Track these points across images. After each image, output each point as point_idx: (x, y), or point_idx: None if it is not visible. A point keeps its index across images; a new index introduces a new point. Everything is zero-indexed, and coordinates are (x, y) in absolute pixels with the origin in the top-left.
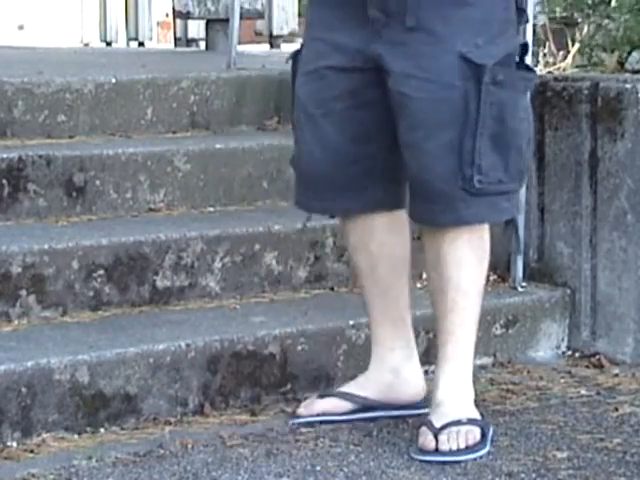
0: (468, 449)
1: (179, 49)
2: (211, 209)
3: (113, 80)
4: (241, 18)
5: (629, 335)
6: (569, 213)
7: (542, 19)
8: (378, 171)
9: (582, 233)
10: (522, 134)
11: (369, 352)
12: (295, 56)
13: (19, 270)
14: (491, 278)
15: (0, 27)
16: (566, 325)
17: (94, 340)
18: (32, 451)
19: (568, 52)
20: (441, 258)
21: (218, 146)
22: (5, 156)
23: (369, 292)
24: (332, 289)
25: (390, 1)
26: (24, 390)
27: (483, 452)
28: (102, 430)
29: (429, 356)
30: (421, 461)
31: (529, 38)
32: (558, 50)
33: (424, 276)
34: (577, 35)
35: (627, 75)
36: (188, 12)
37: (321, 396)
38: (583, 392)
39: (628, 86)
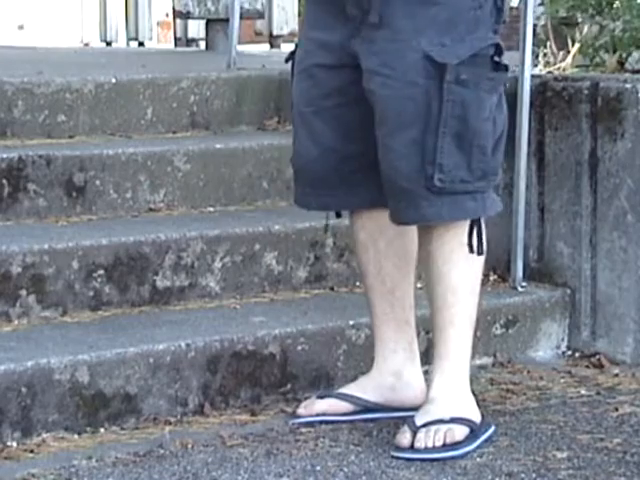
0: (445, 447)
1: (179, 49)
2: (211, 209)
3: (113, 80)
4: (241, 18)
5: (629, 335)
6: (569, 213)
7: (543, 19)
8: (371, 168)
9: (582, 233)
10: (486, 134)
11: (369, 352)
12: (292, 56)
13: (19, 270)
14: (491, 278)
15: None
16: (566, 325)
17: (94, 340)
18: (32, 451)
19: (568, 52)
20: (430, 254)
21: (218, 146)
22: (5, 156)
23: (374, 292)
24: (332, 289)
25: None
26: (24, 390)
27: (463, 451)
28: (102, 430)
29: (429, 356)
30: (395, 457)
31: (529, 38)
32: (558, 50)
33: (423, 276)
34: (577, 35)
35: (627, 75)
36: (188, 12)
37: (321, 396)
38: (583, 392)
39: (628, 86)
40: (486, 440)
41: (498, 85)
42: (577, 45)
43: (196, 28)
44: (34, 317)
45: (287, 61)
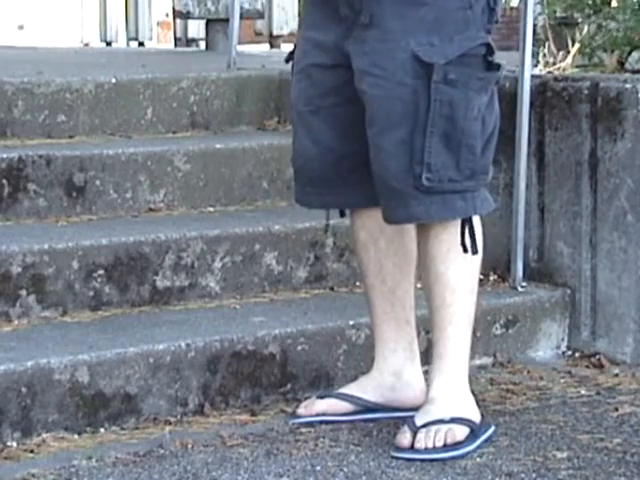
0: (446, 447)
1: (179, 49)
2: (211, 209)
3: (113, 80)
4: (241, 18)
5: (629, 335)
6: (569, 213)
7: (542, 19)
8: (369, 166)
9: (582, 233)
10: (475, 133)
11: (369, 352)
12: (291, 56)
13: (19, 270)
14: (491, 278)
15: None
16: (566, 325)
17: (94, 340)
18: (32, 451)
19: (568, 52)
20: (428, 253)
21: (218, 146)
22: (5, 156)
23: (375, 291)
24: (332, 289)
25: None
26: (24, 390)
27: (463, 451)
28: (102, 430)
29: (429, 356)
30: (395, 457)
31: (529, 38)
32: (558, 50)
33: (423, 276)
34: (577, 35)
35: (627, 75)
36: (188, 12)
37: (321, 396)
38: (583, 392)
39: (628, 86)
40: (486, 440)
41: (488, 85)
42: (577, 45)
43: (196, 28)
44: (34, 317)
45: (287, 61)
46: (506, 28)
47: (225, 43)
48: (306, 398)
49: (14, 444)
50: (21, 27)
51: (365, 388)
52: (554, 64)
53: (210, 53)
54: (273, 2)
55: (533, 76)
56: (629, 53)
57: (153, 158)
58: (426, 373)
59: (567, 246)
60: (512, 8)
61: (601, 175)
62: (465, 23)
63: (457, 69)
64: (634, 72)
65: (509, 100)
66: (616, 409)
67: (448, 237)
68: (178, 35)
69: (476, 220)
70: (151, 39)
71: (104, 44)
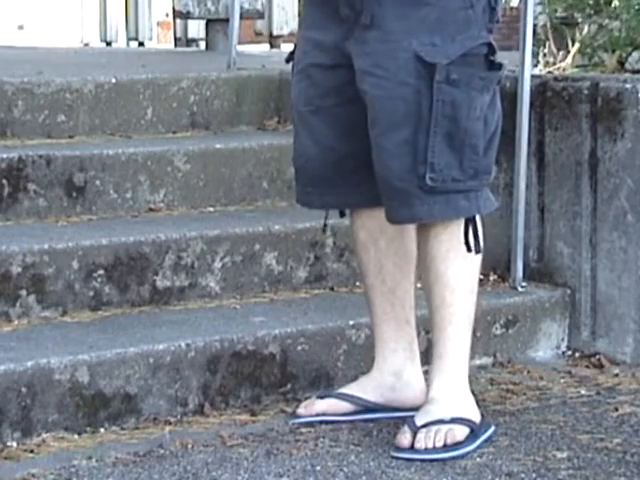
0: (446, 447)
1: (179, 49)
2: (211, 209)
3: (113, 80)
4: (241, 18)
5: (629, 335)
6: (569, 213)
7: (542, 19)
8: (370, 166)
9: (582, 233)
10: (478, 133)
11: (369, 352)
12: (291, 56)
13: (19, 270)
14: (491, 278)
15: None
16: (566, 325)
17: (94, 340)
18: (32, 451)
19: (568, 52)
20: (428, 253)
21: (218, 146)
22: (5, 156)
23: (375, 291)
24: (332, 289)
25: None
26: (24, 390)
27: (463, 451)
28: (102, 430)
29: (429, 356)
30: (395, 458)
31: (529, 38)
32: (558, 50)
33: (423, 276)
34: (577, 35)
35: (627, 75)
36: (188, 12)
37: (321, 396)
38: (583, 392)
39: (628, 86)
40: (486, 440)
41: (490, 84)
42: (577, 45)
43: (196, 28)
44: (34, 317)
45: (287, 62)
46: (507, 28)
47: (225, 43)
48: (306, 398)
49: (14, 444)
50: (21, 27)
51: (365, 388)
52: (554, 64)
53: (210, 53)
54: (273, 2)
55: (533, 76)
56: (629, 53)
57: (153, 158)
58: (426, 373)
59: (567, 246)
60: (512, 8)
61: (601, 175)
62: (467, 23)
63: (459, 69)
64: (634, 72)
65: (509, 100)
66: (616, 409)
67: (448, 237)
68: (178, 35)
69: (477, 220)
70: (151, 39)
71: (104, 44)
